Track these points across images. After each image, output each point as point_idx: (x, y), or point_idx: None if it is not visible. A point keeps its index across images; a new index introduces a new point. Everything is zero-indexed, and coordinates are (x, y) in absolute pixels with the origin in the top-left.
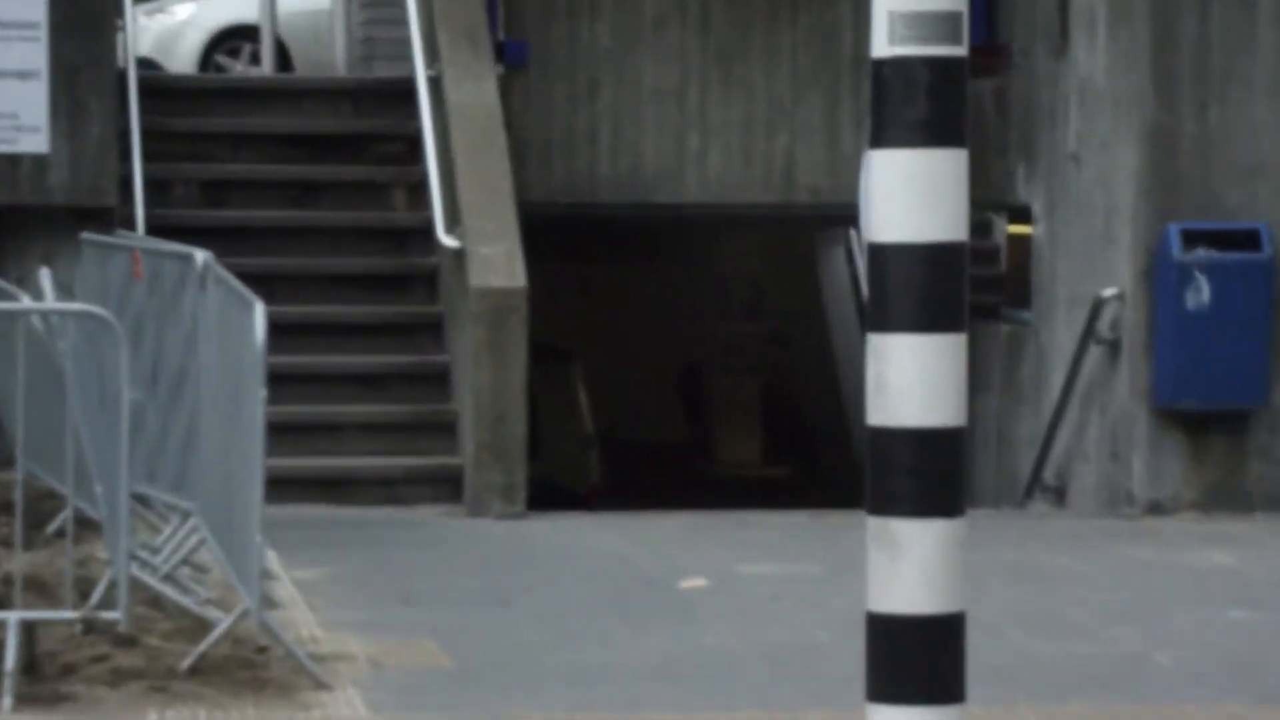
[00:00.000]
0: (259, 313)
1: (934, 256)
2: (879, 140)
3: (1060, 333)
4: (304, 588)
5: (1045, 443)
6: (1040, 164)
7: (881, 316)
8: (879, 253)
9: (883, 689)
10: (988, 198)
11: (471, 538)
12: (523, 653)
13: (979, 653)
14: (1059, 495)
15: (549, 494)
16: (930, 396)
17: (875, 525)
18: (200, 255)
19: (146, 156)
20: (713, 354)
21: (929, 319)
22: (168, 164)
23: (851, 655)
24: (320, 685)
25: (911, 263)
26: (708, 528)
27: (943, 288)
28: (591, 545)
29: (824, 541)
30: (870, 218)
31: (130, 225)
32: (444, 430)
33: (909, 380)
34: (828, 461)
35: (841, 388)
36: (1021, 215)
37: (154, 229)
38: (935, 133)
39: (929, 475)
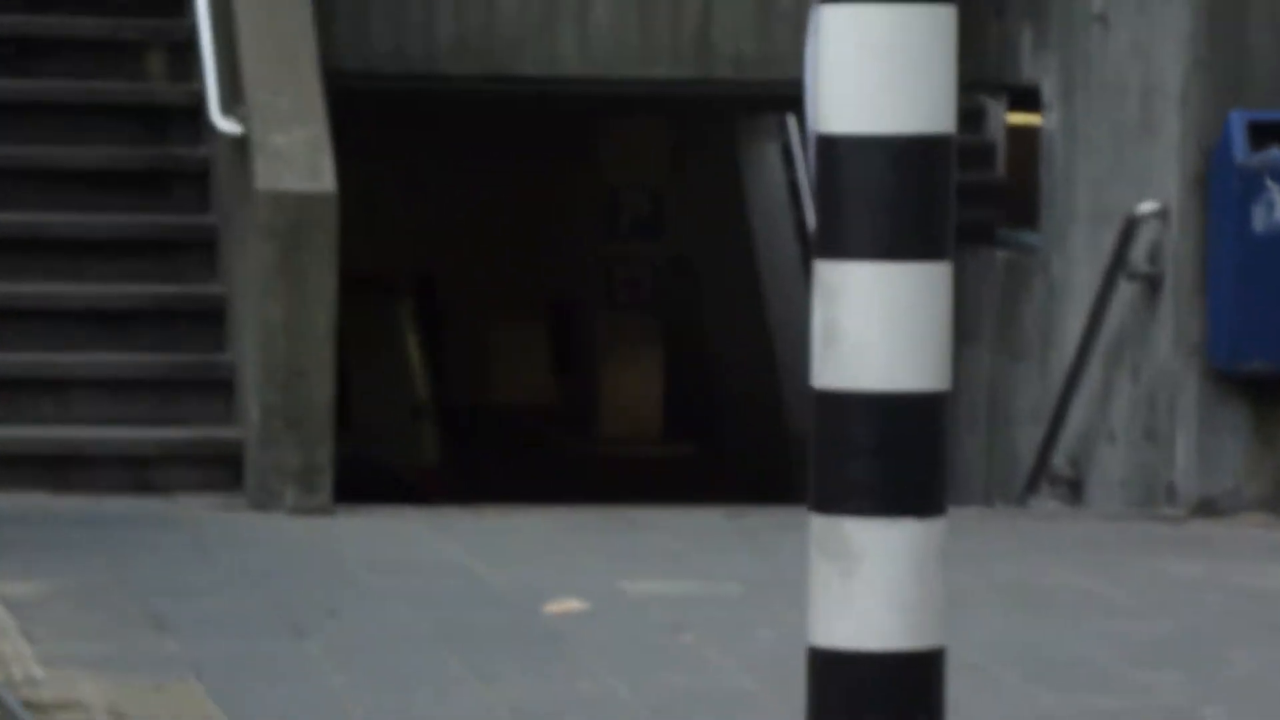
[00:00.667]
0: None
1: (908, 154)
2: None
3: (1078, 264)
4: (17, 608)
5: (1056, 416)
6: (1053, 27)
7: (834, 238)
8: (831, 148)
9: None
10: (980, 74)
11: (254, 540)
12: (323, 702)
13: (962, 704)
14: (1073, 489)
15: (366, 480)
16: (901, 349)
17: (822, 527)
18: None
19: None
20: (594, 288)
21: (900, 242)
22: None
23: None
24: None
25: (877, 163)
26: (584, 529)
27: (920, 198)
28: (423, 553)
29: (745, 549)
30: (818, 100)
31: None
32: (216, 390)
33: (871, 326)
34: (750, 438)
35: (772, 336)
36: (1027, 99)
37: None
38: None
39: (897, 459)
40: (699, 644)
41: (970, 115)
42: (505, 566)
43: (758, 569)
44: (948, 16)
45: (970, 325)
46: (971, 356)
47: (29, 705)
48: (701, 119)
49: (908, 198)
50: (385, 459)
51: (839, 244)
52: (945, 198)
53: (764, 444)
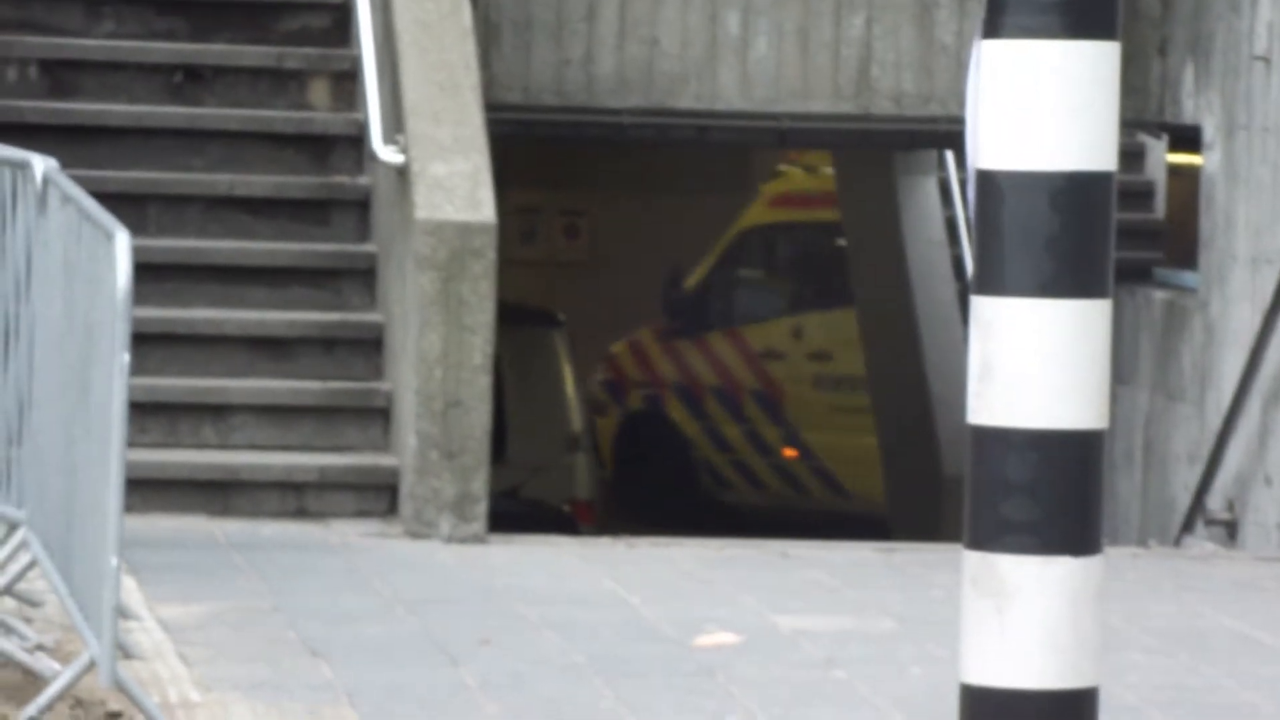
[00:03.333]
0: (122, 246)
1: (1070, 191)
2: (994, 27)
3: (1238, 304)
4: (175, 632)
5: (1212, 458)
6: (1215, 67)
7: (992, 274)
8: (990, 185)
9: None
10: (1142, 112)
11: (409, 567)
12: None
13: None
14: (1230, 530)
15: (521, 512)
16: (1058, 386)
17: (976, 564)
18: (39, 163)
19: None
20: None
21: (1060, 279)
22: None
23: None
24: None
25: (1037, 199)
26: (736, 563)
27: (1081, 235)
28: (575, 583)
29: (899, 585)
30: (979, 136)
31: None
32: (374, 417)
33: (1028, 363)
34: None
35: (927, 376)
36: (1187, 139)
37: None
38: (1075, 18)
39: (1053, 497)
40: (850, 680)
41: (1129, 155)
42: (658, 598)
43: (910, 605)
44: (1111, 53)
45: (1128, 365)
46: (1128, 397)
47: None
48: (860, 156)
49: (1067, 235)
50: (541, 492)
51: (997, 280)
52: (1105, 235)
53: (918, 484)
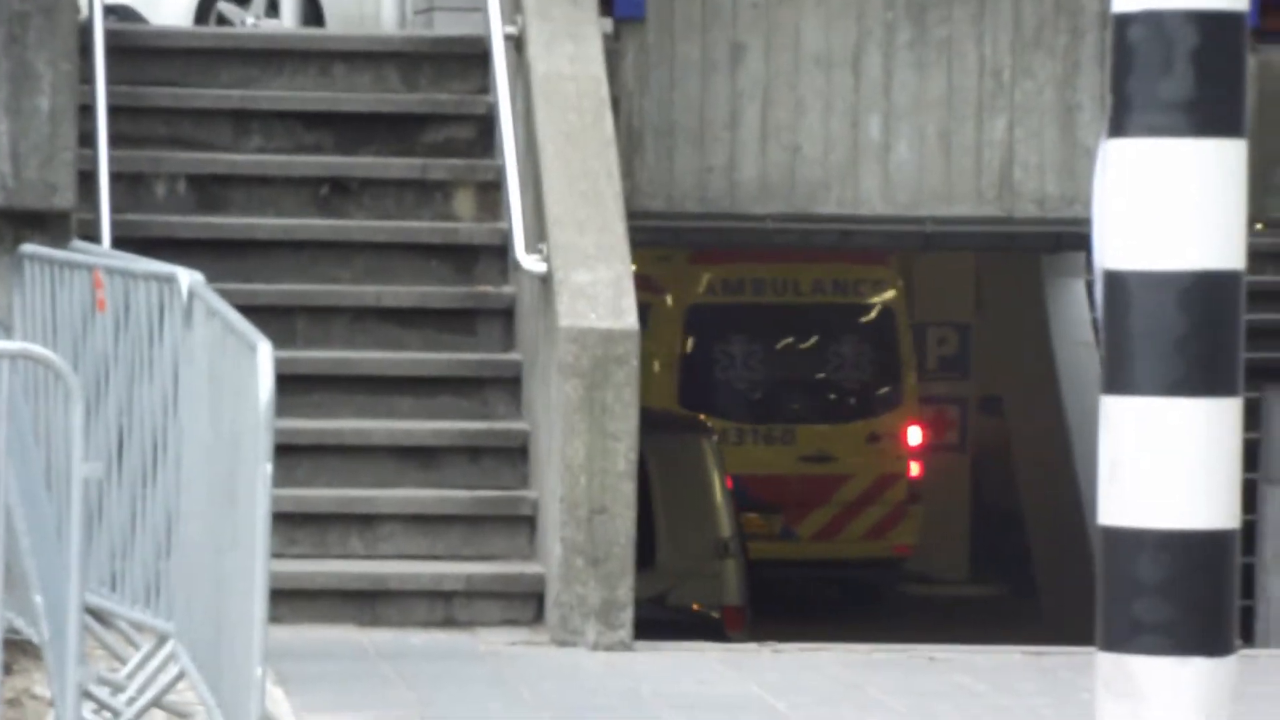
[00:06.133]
0: (265, 357)
1: (1197, 291)
2: (1121, 126)
3: None
4: None
5: None
6: None
7: (1119, 374)
8: (1117, 284)
9: None
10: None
11: (555, 675)
12: None
13: None
14: None
15: (669, 619)
16: (1189, 486)
17: (1109, 665)
18: (186, 277)
19: (116, 141)
20: (898, 425)
21: (1189, 378)
22: (145, 151)
23: None
24: None
25: (1165, 298)
26: (881, 668)
27: (1210, 334)
28: (722, 689)
29: (1046, 689)
30: (1106, 236)
31: (93, 236)
32: (520, 525)
33: (1158, 463)
34: (1055, 579)
35: (1078, 474)
36: None
37: (124, 241)
38: (1202, 116)
39: (1185, 597)
40: None
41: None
42: (805, 704)
43: (1058, 709)
44: (1238, 150)
45: (1276, 467)
46: (1274, 497)
47: None
48: (1005, 258)
49: (1195, 334)
50: (689, 598)
51: (1125, 380)
52: (1234, 334)
53: (1073, 585)
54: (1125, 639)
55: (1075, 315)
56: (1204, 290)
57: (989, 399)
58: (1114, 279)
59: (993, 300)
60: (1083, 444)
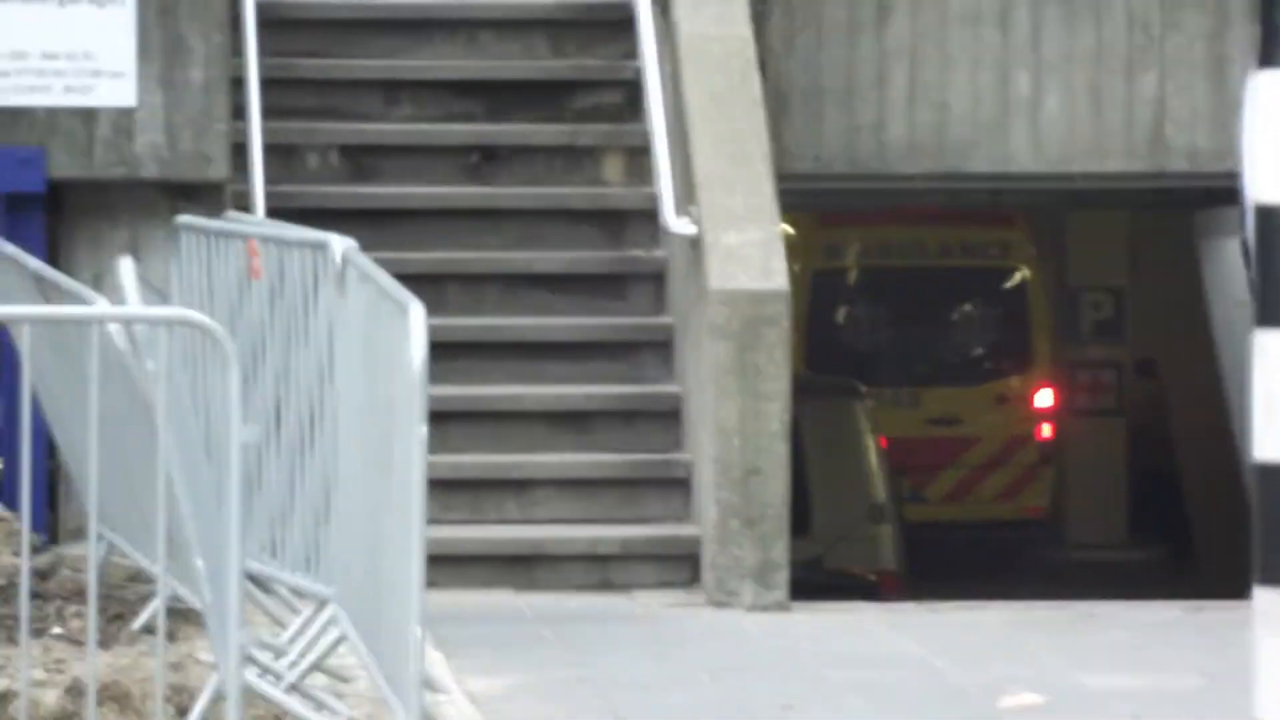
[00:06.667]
0: (417, 319)
1: None
2: (1271, 57)
3: None
4: (483, 704)
5: None
6: None
7: (1274, 307)
8: (1269, 218)
9: None
10: None
11: (711, 635)
12: None
13: None
14: None
15: (825, 582)
16: None
17: (1269, 602)
18: (339, 244)
19: (268, 113)
20: (1056, 391)
21: None
22: (297, 122)
23: None
24: None
25: None
26: (1040, 625)
27: None
28: (879, 648)
29: (1204, 643)
30: (1257, 168)
31: (246, 206)
32: (674, 488)
33: None
34: (1214, 542)
35: (1237, 436)
36: None
37: (277, 211)
38: None
39: None
40: None
41: None
42: (962, 661)
43: (1216, 663)
44: None
45: None
46: None
47: None
48: (1157, 214)
49: None
50: (845, 563)
51: (1278, 313)
52: None
53: (1233, 548)
54: None
55: (1230, 274)
56: None
57: (1145, 362)
58: (1265, 212)
59: (1147, 263)
60: (1241, 405)
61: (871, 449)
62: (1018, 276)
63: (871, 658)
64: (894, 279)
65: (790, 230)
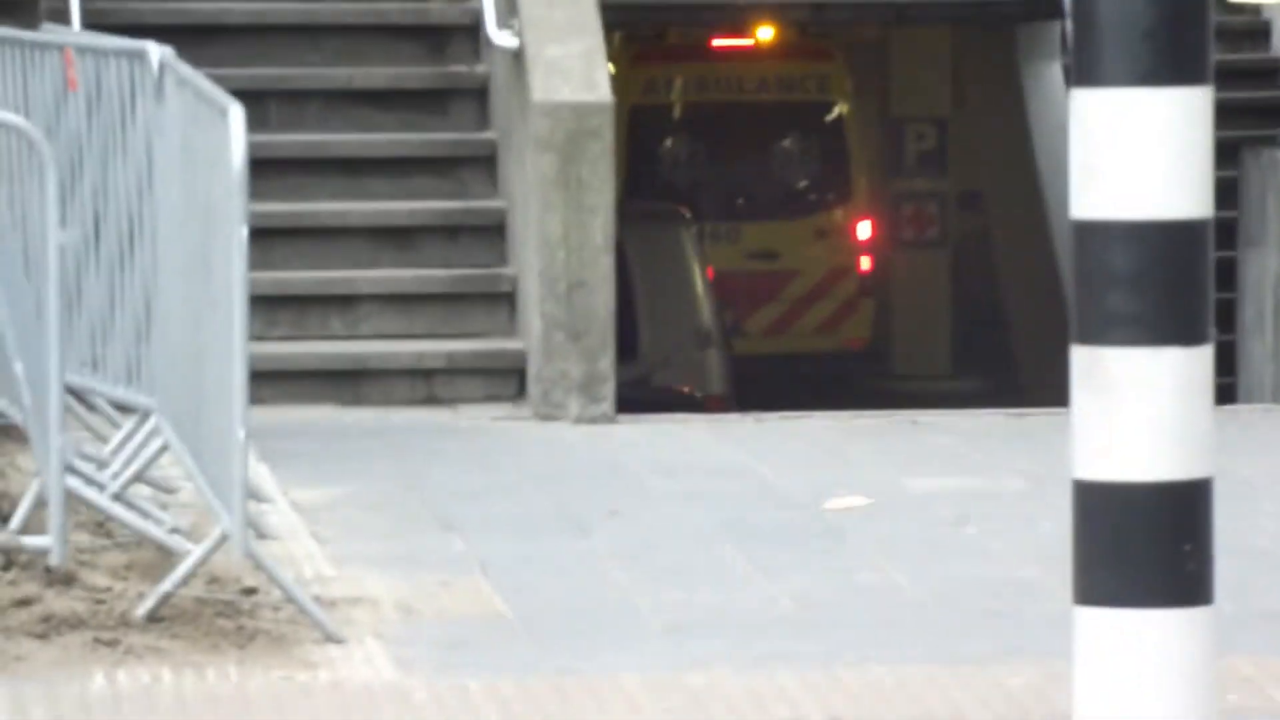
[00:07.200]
0: (236, 120)
1: None
2: None
3: None
4: (308, 513)
5: None
6: None
7: (1090, 67)
8: None
9: (1097, 586)
10: None
11: (538, 446)
12: (607, 595)
13: (1247, 591)
14: None
15: (652, 399)
16: (1159, 175)
17: (1083, 359)
18: (156, 51)
19: None
20: (877, 224)
21: (1158, 69)
22: None
23: (1069, 594)
24: (329, 638)
25: None
26: (865, 433)
27: (1177, 24)
28: (706, 457)
29: (1028, 447)
30: None
31: (63, 18)
32: (499, 303)
33: (1128, 152)
34: (1038, 371)
35: (1060, 265)
36: None
37: (93, 27)
38: None
39: (1159, 288)
40: (981, 536)
41: (1256, 33)
42: (788, 468)
43: (1039, 465)
44: None
45: (1255, 228)
46: (1257, 259)
47: (318, 600)
48: (981, 46)
49: (1163, 24)
50: (670, 384)
51: (1096, 71)
52: (1202, 24)
53: (1057, 376)
54: (1099, 332)
55: (1053, 98)
56: None
57: (969, 194)
58: None
59: (971, 95)
60: (1065, 233)
61: (698, 275)
62: (836, 110)
63: (697, 466)
64: (711, 114)
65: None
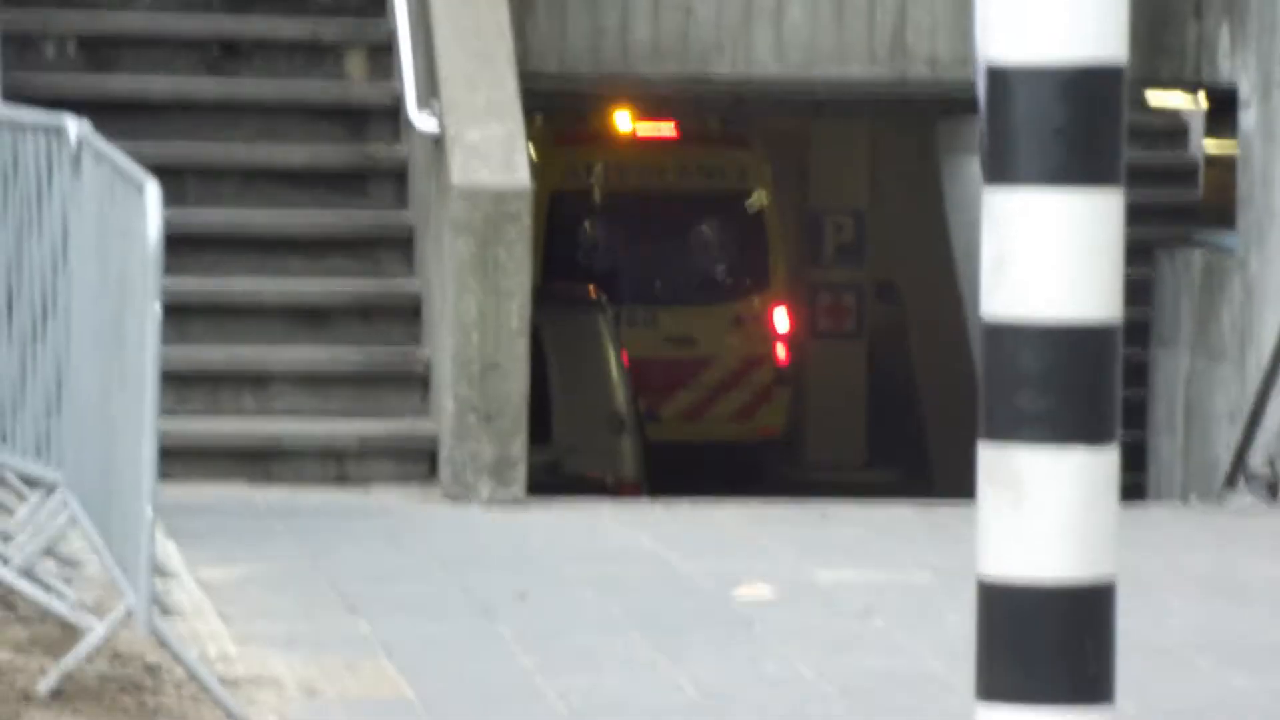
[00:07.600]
0: (153, 196)
1: (1077, 84)
2: None
3: (1277, 262)
4: (214, 591)
5: (1253, 416)
6: (1251, 27)
7: (1002, 164)
8: (999, 80)
9: (998, 682)
10: (1178, 74)
11: (448, 528)
12: (512, 680)
13: (1154, 684)
14: (1271, 488)
15: (564, 485)
16: (1070, 277)
17: (991, 458)
18: (74, 125)
19: (4, 1)
20: (794, 313)
21: (1070, 168)
22: (33, 10)
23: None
24: (232, 717)
25: (1049, 90)
26: (775, 521)
27: (1090, 126)
28: (614, 542)
29: (937, 540)
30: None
31: None
32: (412, 384)
33: (1041, 253)
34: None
35: (975, 361)
36: (1224, 100)
37: (13, 98)
38: None
39: (1067, 388)
40: (888, 629)
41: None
42: (696, 555)
43: (947, 558)
44: None
45: (1168, 328)
46: (1169, 359)
47: (222, 680)
48: (899, 138)
49: (1080, 123)
50: (582, 470)
51: (1008, 169)
52: (1115, 126)
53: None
54: (1007, 430)
55: (970, 193)
56: (1085, 83)
57: (885, 286)
58: (995, 73)
59: (888, 187)
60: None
61: (613, 360)
62: (754, 198)
63: (606, 551)
64: (631, 200)
65: (531, 145)
